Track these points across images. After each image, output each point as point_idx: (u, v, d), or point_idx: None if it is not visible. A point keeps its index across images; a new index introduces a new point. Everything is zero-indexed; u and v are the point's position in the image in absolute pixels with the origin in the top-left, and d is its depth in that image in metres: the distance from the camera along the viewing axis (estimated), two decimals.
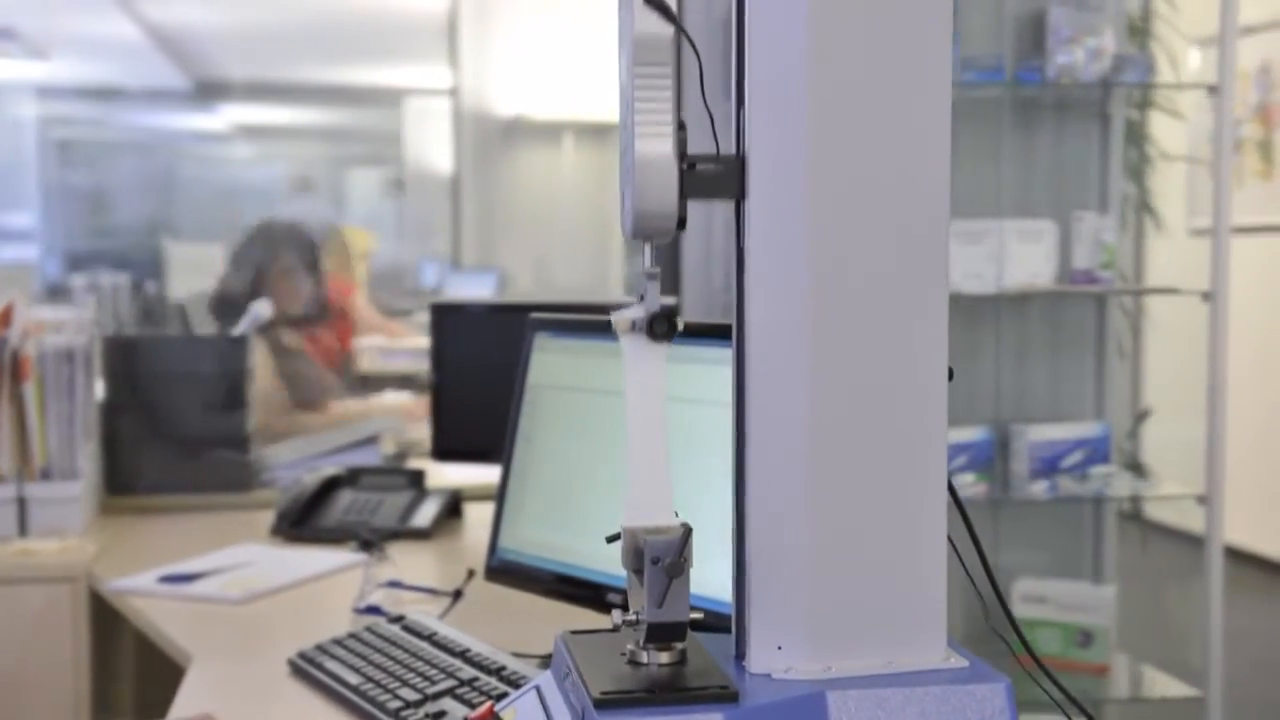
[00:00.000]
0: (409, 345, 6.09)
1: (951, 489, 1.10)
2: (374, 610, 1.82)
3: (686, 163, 1.01)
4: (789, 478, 1.04)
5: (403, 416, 3.24)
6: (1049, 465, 2.79)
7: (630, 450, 1.06)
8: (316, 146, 11.88)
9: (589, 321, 1.69)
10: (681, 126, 1.00)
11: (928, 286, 1.03)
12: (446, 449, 2.52)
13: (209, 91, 10.16)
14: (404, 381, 5.38)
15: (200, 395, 2.70)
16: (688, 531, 1.03)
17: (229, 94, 10.18)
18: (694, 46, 1.02)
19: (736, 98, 1.04)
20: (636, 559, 1.07)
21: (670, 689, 1.02)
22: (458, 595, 1.83)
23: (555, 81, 7.06)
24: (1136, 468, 3.10)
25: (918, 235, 1.02)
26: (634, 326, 1.03)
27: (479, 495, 2.59)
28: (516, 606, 1.79)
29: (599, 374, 1.63)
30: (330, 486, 2.45)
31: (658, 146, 1.00)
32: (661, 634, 1.04)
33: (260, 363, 3.03)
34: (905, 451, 1.05)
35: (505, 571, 1.70)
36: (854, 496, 1.04)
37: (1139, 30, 3.13)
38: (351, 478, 2.49)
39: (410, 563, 2.13)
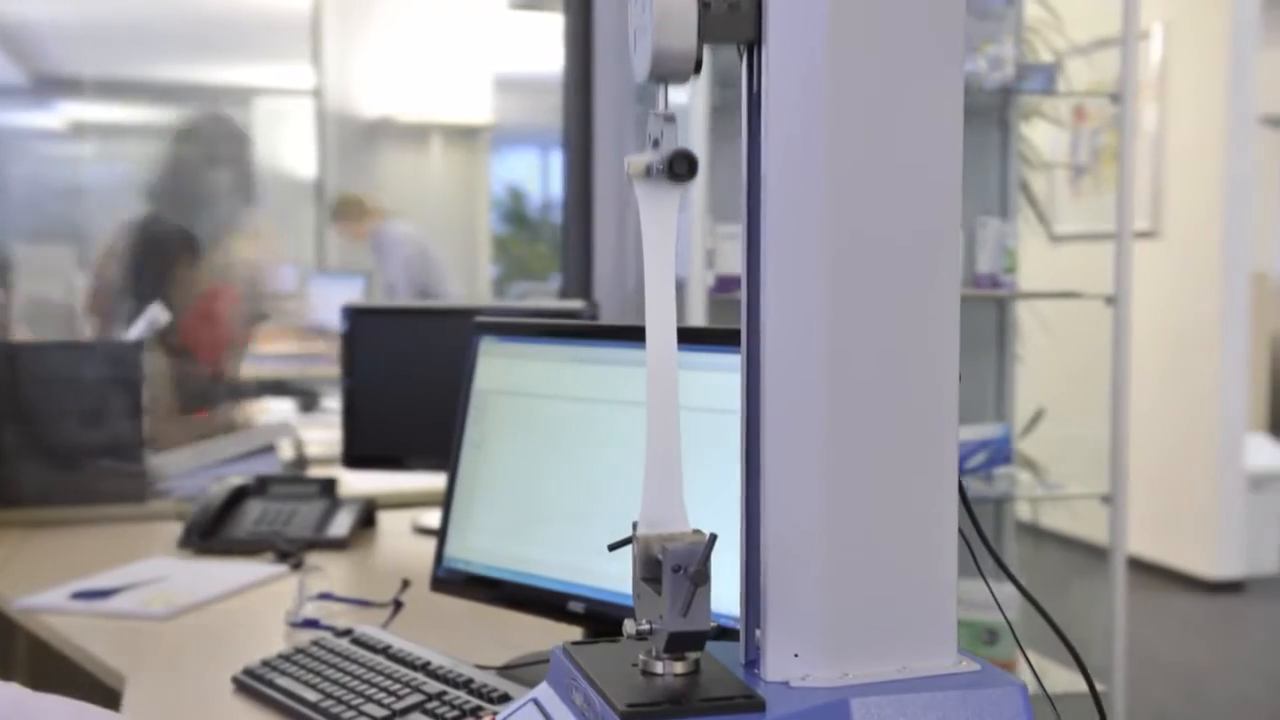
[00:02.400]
0: (281, 351, 5.95)
1: (962, 490, 1.10)
2: (312, 624, 1.77)
3: (701, 2, 0.99)
4: (806, 484, 1.03)
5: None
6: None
7: (649, 325, 1.03)
8: (162, 146, 11.56)
9: (538, 325, 1.66)
10: None
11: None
12: (358, 456, 2.45)
13: (47, 88, 9.81)
14: (276, 388, 5.26)
15: (90, 403, 2.59)
16: (712, 538, 1.02)
17: (68, 90, 9.84)
18: None
19: None
20: (651, 568, 1.05)
21: (696, 699, 1.00)
22: (398, 606, 1.78)
23: (422, 82, 6.98)
24: (1031, 468, 3.16)
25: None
26: (650, 171, 1.01)
27: (390, 504, 2.54)
28: (457, 616, 1.75)
29: (552, 379, 1.60)
30: (237, 496, 2.37)
31: None
32: (682, 643, 1.02)
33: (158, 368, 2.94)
34: (921, 449, 1.05)
35: (454, 581, 1.65)
36: (871, 501, 1.03)
37: (1028, 40, 3.20)
38: (260, 487, 2.41)
39: (332, 574, 2.07)
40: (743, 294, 1.06)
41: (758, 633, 1.06)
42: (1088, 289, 2.89)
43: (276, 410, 4.19)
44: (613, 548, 1.12)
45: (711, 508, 1.18)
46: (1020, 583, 1.15)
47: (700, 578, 1.00)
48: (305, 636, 1.70)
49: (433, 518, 2.45)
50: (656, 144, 1.01)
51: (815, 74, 0.99)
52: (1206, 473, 5.36)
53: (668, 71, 0.99)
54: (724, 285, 2.54)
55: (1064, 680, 2.93)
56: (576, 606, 1.51)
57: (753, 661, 1.07)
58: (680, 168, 1.00)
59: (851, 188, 1.01)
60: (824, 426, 1.02)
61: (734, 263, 2.43)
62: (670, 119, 1.01)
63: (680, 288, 2.48)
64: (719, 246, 2.43)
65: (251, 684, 1.52)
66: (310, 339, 6.61)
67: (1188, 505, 5.45)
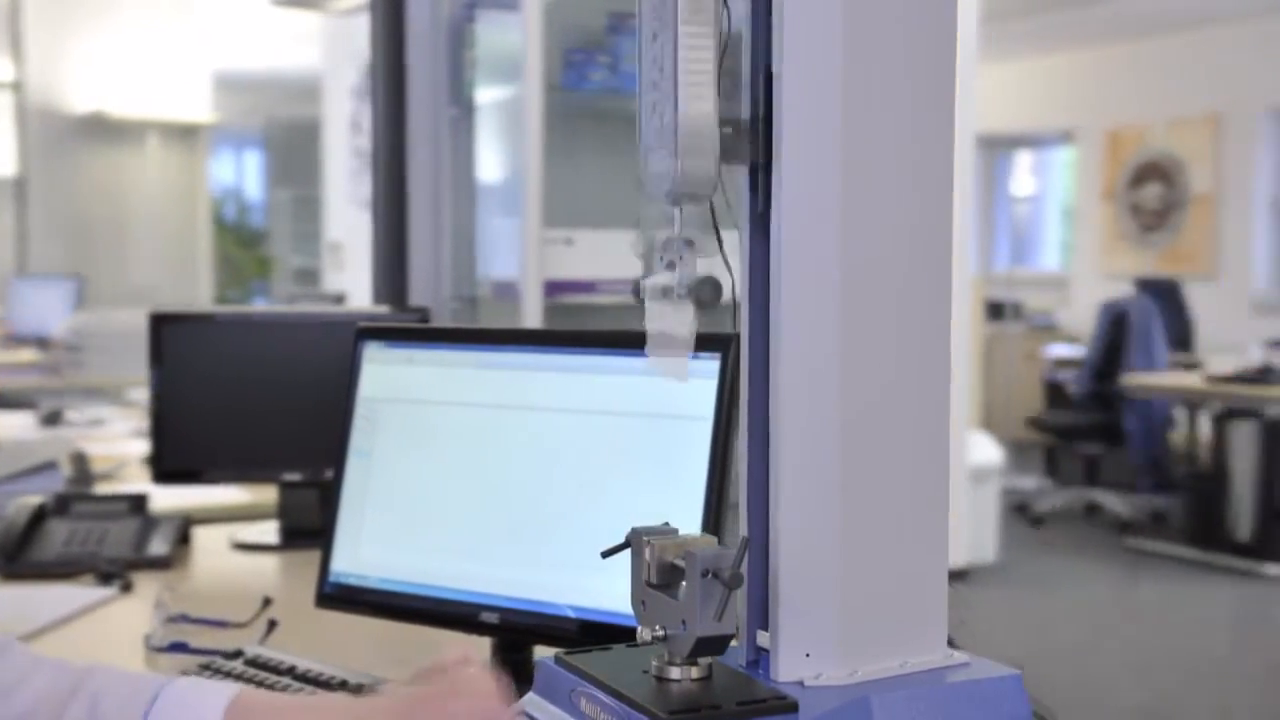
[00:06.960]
0: None
1: None
2: (180, 647, 1.66)
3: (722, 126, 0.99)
4: (822, 492, 1.04)
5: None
6: None
7: None
8: None
9: (431, 330, 1.62)
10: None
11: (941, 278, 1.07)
12: (169, 470, 2.32)
13: None
14: None
15: None
16: (745, 542, 1.02)
17: None
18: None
19: (753, 64, 1.02)
20: (665, 574, 1.04)
21: (732, 702, 1.00)
22: (272, 625, 1.69)
23: (137, 78, 6.66)
24: None
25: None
26: (669, 294, 1.00)
27: (199, 519, 2.41)
28: (328, 632, 1.69)
29: (444, 384, 1.56)
30: (36, 517, 2.20)
31: (703, 108, 0.98)
32: (708, 648, 1.02)
33: None
34: (921, 450, 1.08)
35: (342, 597, 1.59)
36: (879, 503, 1.06)
37: None
38: (60, 506, 2.25)
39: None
40: (746, 306, 1.06)
41: (762, 634, 1.07)
42: None
43: (10, 425, 3.92)
44: (607, 554, 1.10)
45: (672, 511, 1.18)
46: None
47: (736, 581, 1.00)
48: (177, 661, 1.60)
49: (251, 532, 2.35)
50: (673, 266, 1.00)
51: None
52: None
53: (689, 193, 0.98)
54: (553, 289, 2.52)
55: None
56: (490, 617, 1.47)
57: (754, 662, 1.08)
58: (706, 294, 0.99)
59: (863, 213, 1.03)
60: (838, 439, 1.04)
61: (563, 267, 2.44)
62: (690, 243, 1.00)
63: (513, 291, 2.45)
64: (546, 251, 2.41)
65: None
66: (15, 348, 6.24)
67: None
